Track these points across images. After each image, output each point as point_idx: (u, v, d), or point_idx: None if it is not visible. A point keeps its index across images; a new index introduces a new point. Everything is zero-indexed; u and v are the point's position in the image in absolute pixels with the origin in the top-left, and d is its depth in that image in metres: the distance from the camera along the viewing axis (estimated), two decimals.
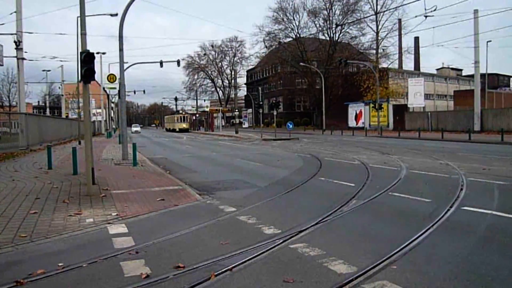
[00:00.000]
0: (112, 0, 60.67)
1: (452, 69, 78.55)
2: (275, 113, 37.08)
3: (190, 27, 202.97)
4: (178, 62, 38.39)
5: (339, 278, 3.98)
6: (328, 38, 59.41)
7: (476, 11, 33.36)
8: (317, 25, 59.68)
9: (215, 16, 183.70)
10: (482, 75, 43.57)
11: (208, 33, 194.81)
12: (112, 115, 75.77)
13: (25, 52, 22.89)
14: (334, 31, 57.60)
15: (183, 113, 72.59)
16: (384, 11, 49.36)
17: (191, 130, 68.45)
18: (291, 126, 35.53)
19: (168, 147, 27.74)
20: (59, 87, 56.11)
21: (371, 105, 44.80)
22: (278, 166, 14.16)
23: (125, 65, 19.09)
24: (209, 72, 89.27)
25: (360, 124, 48.68)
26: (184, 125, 65.60)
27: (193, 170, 13.61)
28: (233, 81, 62.80)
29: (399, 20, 55.12)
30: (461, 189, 8.45)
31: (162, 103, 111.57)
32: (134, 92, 63.33)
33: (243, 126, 76.88)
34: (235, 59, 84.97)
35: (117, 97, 38.69)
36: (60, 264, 4.39)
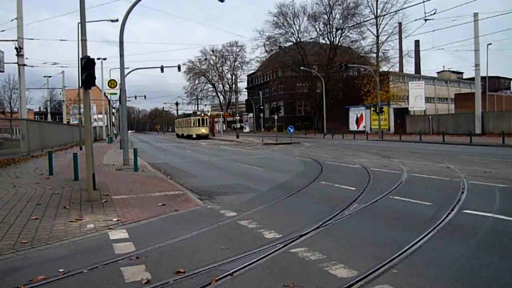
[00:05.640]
0: (105, 7, 61.08)
1: (453, 72, 78.61)
2: (276, 117, 37.12)
3: (184, 32, 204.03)
4: (179, 67, 38.50)
5: (339, 282, 3.97)
6: (328, 42, 59.53)
7: (476, 14, 33.43)
8: (318, 29, 59.88)
9: (208, 21, 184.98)
10: (483, 78, 43.60)
11: (203, 38, 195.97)
12: (113, 120, 75.86)
13: (26, 58, 23.04)
14: (334, 35, 57.76)
15: (202, 114, 55.96)
16: (384, 15, 49.46)
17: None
18: (292, 130, 35.55)
19: (169, 152, 27.76)
20: (60, 93, 56.23)
21: (372, 108, 44.78)
22: (279, 170, 14.15)
23: (126, 71, 19.13)
24: (210, 77, 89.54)
25: (361, 128, 48.64)
26: (204, 130, 52.12)
27: (194, 175, 13.61)
28: (234, 85, 62.99)
29: (399, 23, 55.31)
30: (462, 192, 8.44)
31: (163, 108, 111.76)
32: (135, 97, 63.67)
33: (244, 130, 76.93)
34: (235, 63, 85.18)
35: (118, 102, 38.75)
36: (60, 270, 4.39)
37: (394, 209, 7.39)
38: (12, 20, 21.91)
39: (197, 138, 49.93)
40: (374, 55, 54.49)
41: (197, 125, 52.30)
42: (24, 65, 22.56)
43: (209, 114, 65.73)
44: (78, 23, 13.76)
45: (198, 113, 59.29)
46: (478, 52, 34.18)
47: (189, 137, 54.45)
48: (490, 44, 59.09)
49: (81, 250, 5.24)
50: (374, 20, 50.83)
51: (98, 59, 37.52)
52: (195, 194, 9.33)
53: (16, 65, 22.21)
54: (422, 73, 71.97)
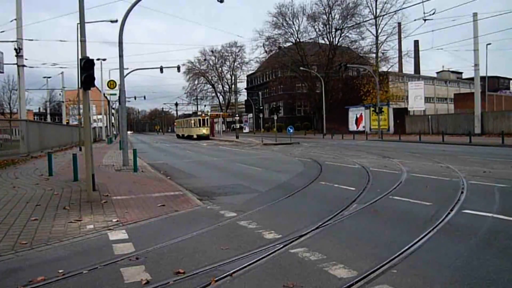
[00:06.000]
0: (103, 7, 60.89)
1: (452, 72, 78.66)
2: (275, 117, 37.11)
3: (184, 33, 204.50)
4: (178, 68, 38.58)
5: (339, 283, 3.98)
6: (328, 43, 59.64)
7: (475, 14, 33.46)
8: (317, 30, 60.00)
9: (208, 21, 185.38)
10: (482, 78, 43.63)
11: (202, 38, 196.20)
12: (113, 121, 75.88)
13: (26, 59, 23.00)
14: (333, 35, 57.88)
15: (203, 114, 55.09)
16: (384, 15, 49.65)
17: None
18: (291, 131, 35.55)
19: (168, 152, 27.76)
20: (60, 94, 56.25)
21: (372, 108, 44.82)
22: (279, 170, 14.15)
23: (125, 71, 19.13)
24: (210, 77, 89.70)
25: (360, 128, 48.68)
26: (204, 131, 51.14)
27: (193, 176, 13.61)
28: (233, 86, 62.91)
29: (399, 23, 55.38)
30: (462, 192, 8.44)
31: (162, 108, 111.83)
32: (135, 98, 63.60)
33: (244, 131, 76.89)
34: (235, 64, 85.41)
35: (117, 103, 38.76)
36: (60, 271, 4.39)
37: (393, 209, 7.39)
38: (11, 21, 21.92)
39: (197, 139, 49.17)
40: (374, 55, 54.69)
41: (198, 125, 51.58)
42: (24, 66, 22.53)
43: (209, 114, 65.46)
44: (77, 23, 13.76)
45: (199, 113, 58.50)
46: (477, 52, 34.22)
47: (189, 137, 53.66)
48: (490, 44, 59.57)
49: (81, 251, 5.24)
50: (374, 20, 51.06)
51: (98, 59, 37.57)
52: (195, 195, 9.32)
53: (16, 66, 22.19)
54: (422, 73, 72.04)
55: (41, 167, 15.24)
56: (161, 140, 54.46)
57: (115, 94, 28.35)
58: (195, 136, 51.10)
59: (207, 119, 53.11)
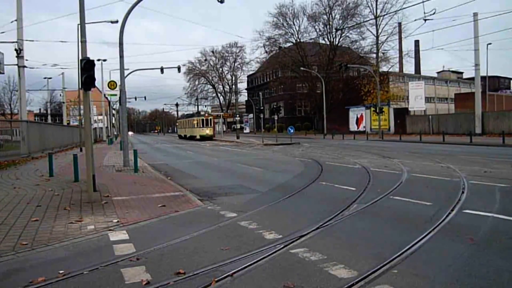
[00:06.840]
0: (102, 8, 60.92)
1: (453, 72, 78.67)
2: (276, 118, 37.13)
3: (183, 33, 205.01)
4: (179, 68, 38.55)
5: (340, 283, 3.97)
6: (328, 43, 59.64)
7: (475, 14, 33.47)
8: (317, 30, 60.05)
9: (207, 21, 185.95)
10: (483, 78, 43.65)
11: (202, 39, 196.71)
12: (113, 121, 75.86)
13: (26, 60, 23.00)
14: (334, 36, 57.92)
15: (206, 114, 52.96)
16: (384, 15, 49.63)
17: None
18: (292, 131, 35.56)
19: (169, 153, 27.77)
20: (60, 95, 56.26)
21: (372, 109, 44.80)
22: (279, 171, 14.15)
23: (125, 72, 19.13)
24: (210, 78, 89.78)
25: (361, 128, 48.66)
26: (208, 131, 49.44)
27: (194, 176, 13.61)
28: (233, 86, 62.98)
29: (399, 23, 55.43)
30: (463, 192, 8.43)
31: (163, 109, 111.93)
32: (135, 98, 63.62)
33: (244, 131, 76.93)
34: (235, 64, 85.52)
35: (118, 103, 38.80)
36: (61, 272, 4.39)
37: (394, 209, 7.38)
38: (12, 22, 21.93)
39: (200, 140, 47.89)
40: (374, 55, 54.65)
41: (201, 125, 49.77)
42: (24, 66, 22.55)
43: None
44: (78, 24, 13.76)
45: (202, 113, 56.59)
46: (478, 52, 34.22)
47: (192, 138, 52.23)
48: (490, 43, 59.51)
49: (81, 252, 5.24)
50: (374, 20, 51.05)
51: (98, 60, 37.62)
52: (195, 195, 9.32)
53: (16, 66, 22.21)
54: (422, 73, 72.07)
55: (41, 167, 15.25)
56: (162, 141, 54.47)
57: (116, 95, 28.35)
58: (198, 137, 49.67)
59: (210, 119, 51.28)
